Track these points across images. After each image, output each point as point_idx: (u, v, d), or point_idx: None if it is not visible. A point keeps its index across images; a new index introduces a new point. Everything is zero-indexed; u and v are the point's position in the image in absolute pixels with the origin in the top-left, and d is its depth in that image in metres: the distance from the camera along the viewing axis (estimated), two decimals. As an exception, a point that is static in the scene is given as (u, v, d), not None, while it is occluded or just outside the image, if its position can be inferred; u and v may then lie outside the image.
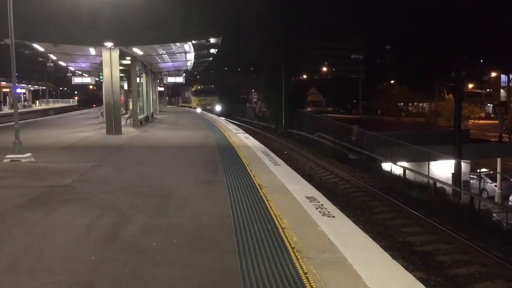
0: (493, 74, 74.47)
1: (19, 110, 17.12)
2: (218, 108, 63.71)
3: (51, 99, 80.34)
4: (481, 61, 75.80)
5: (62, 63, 30.96)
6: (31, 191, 8.36)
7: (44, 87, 75.11)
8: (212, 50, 27.46)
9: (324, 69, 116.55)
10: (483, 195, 22.70)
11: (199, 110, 57.69)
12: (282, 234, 5.70)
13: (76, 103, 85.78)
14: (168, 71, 37.09)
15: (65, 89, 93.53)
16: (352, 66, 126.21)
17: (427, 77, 63.64)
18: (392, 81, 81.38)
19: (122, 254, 5.12)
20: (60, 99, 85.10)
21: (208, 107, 61.63)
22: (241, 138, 18.81)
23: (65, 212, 6.95)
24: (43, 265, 4.82)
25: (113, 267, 4.74)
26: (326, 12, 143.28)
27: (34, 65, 38.77)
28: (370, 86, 79.24)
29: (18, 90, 58.56)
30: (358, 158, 27.10)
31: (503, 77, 70.79)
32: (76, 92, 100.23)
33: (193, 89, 70.60)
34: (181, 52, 25.95)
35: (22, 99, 65.75)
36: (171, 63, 32.13)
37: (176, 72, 36.99)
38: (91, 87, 63.65)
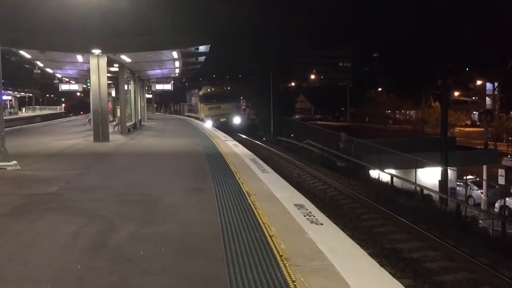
0: (479, 82, 75.44)
1: (5, 117, 16.95)
2: (237, 120, 46.74)
3: (37, 106, 79.75)
4: (467, 69, 76.75)
5: (49, 70, 30.72)
6: (17, 199, 8.26)
7: (30, 94, 74.51)
8: (201, 58, 27.48)
9: (313, 76, 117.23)
10: (469, 202, 22.91)
11: (208, 123, 39.84)
12: (270, 242, 5.69)
13: (63, 110, 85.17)
14: (156, 78, 37.02)
15: (52, 96, 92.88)
16: (340, 74, 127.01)
17: (414, 84, 64.28)
18: (380, 89, 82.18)
19: (108, 262, 5.07)
20: (47, 106, 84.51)
21: (222, 119, 44.82)
22: (230, 145, 18.80)
23: (51, 221, 6.87)
24: (29, 274, 4.76)
25: (100, 276, 4.68)
26: (314, 20, 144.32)
27: (20, 71, 38.39)
28: (358, 94, 79.84)
29: (4, 97, 58.01)
30: (346, 165, 27.23)
31: (489, 85, 71.80)
32: (63, 99, 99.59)
33: (201, 92, 50.11)
34: (170, 60, 25.92)
35: (8, 106, 65.14)
36: (159, 70, 32.08)
37: (164, 79, 36.95)
38: (78, 94, 63.17)
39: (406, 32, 78.01)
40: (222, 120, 44.46)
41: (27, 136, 23.41)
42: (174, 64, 28.51)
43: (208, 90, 49.20)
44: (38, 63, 26.53)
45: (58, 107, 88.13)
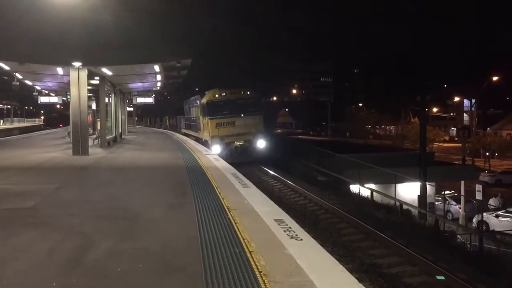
0: (457, 99, 77.01)
1: (-19, 130, 16.67)
2: (261, 144, 30.69)
3: (16, 118, 78.58)
4: (445, 85, 78.34)
5: (28, 82, 30.35)
6: (-8, 214, 8.10)
7: (9, 106, 73.44)
8: (183, 71, 27.48)
9: (294, 91, 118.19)
10: (447, 217, 23.21)
11: (216, 148, 28.57)
12: (250, 258, 5.67)
13: (42, 123, 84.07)
14: (137, 91, 36.88)
15: (31, 108, 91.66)
16: (321, 89, 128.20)
17: (394, 100, 65.29)
18: (360, 104, 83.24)
19: (85, 279, 4.99)
20: (25, 118, 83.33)
21: (238, 142, 30.18)
22: (211, 159, 18.74)
23: (26, 236, 6.74)
24: (2, 292, 4.65)
25: (76, 293, 4.61)
26: (296, 36, 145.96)
27: (-2, 83, 37.91)
28: (339, 109, 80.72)
29: (-18, 109, 57.02)
30: (327, 180, 27.37)
31: (466, 102, 73.28)
32: (42, 112, 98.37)
33: (204, 100, 32.54)
34: (151, 73, 25.86)
35: (-15, 118, 64.06)
36: (140, 84, 31.96)
37: (146, 93, 36.85)
38: (58, 106, 62.42)
39: (387, 48, 79.51)
40: (238, 144, 30.15)
41: (4, 149, 23.01)
42: (155, 78, 28.43)
43: (216, 95, 31.27)
44: (17, 75, 26.21)
45: (37, 119, 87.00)
